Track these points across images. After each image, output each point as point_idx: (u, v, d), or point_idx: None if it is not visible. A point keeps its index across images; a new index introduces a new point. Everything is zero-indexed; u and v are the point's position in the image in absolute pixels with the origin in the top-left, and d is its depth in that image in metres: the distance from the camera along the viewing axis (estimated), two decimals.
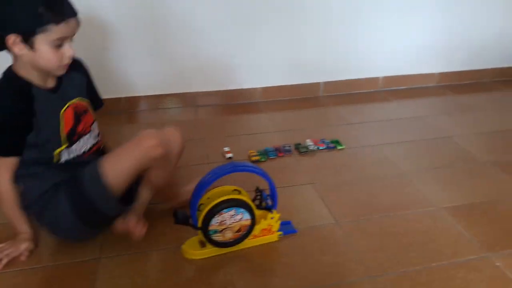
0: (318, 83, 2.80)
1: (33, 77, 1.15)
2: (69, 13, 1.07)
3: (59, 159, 1.24)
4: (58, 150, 1.23)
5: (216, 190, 1.35)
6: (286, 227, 1.47)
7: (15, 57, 1.12)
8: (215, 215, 1.28)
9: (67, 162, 1.26)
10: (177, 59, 2.47)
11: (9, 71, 1.15)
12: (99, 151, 1.38)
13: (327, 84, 2.82)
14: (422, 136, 2.22)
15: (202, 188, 1.29)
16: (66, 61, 1.14)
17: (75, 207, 1.20)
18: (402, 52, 2.86)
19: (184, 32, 2.37)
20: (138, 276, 1.27)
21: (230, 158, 1.98)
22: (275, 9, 2.50)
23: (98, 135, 1.39)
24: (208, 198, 1.32)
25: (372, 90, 2.91)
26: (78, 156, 1.29)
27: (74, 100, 1.27)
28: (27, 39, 1.04)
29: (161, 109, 2.58)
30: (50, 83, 1.21)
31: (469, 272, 1.29)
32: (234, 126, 2.38)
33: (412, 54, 2.88)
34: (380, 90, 2.92)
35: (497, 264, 1.32)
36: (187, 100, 2.62)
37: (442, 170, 1.89)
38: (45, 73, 1.17)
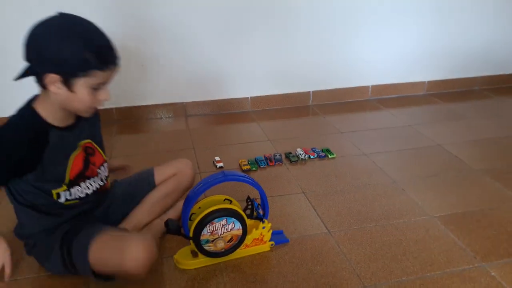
0: (308, 92, 2.80)
1: (54, 115, 1.10)
2: (114, 61, 1.05)
3: (58, 198, 1.18)
4: (57, 190, 1.17)
5: (207, 199, 1.34)
6: (278, 237, 1.45)
7: (43, 94, 1.07)
8: (206, 224, 1.25)
9: (69, 202, 1.20)
10: (168, 69, 2.46)
11: (29, 108, 1.09)
12: (105, 191, 1.33)
13: (317, 93, 2.82)
14: (412, 145, 2.22)
15: (193, 197, 1.27)
16: (99, 104, 1.11)
17: (63, 261, 1.17)
18: (391, 61, 2.88)
19: (174, 43, 2.36)
20: (131, 285, 1.23)
21: (221, 167, 1.96)
22: (264, 19, 2.50)
23: (107, 177, 1.33)
24: (199, 207, 1.31)
25: (361, 99, 2.92)
26: (80, 198, 1.22)
27: (86, 141, 1.23)
28: (67, 80, 1.01)
29: (152, 119, 2.55)
30: (68, 121, 1.16)
31: (464, 282, 1.28)
32: (224, 136, 2.37)
33: (401, 63, 2.90)
34: (370, 99, 2.93)
35: (492, 274, 1.31)
36: (178, 110, 2.60)
37: (434, 178, 1.89)
38: (71, 113, 1.14)
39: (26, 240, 1.25)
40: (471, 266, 1.34)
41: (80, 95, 1.04)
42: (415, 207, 1.66)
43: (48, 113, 1.09)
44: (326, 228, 1.53)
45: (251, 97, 2.70)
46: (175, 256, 1.34)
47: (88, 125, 1.23)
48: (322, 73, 2.78)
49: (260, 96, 2.72)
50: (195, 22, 2.40)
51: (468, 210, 1.64)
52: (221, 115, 2.65)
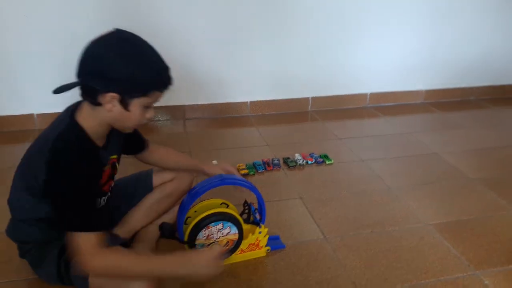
0: (307, 98, 2.82)
1: (97, 132, 1.10)
2: (171, 82, 1.07)
3: None
4: None
5: (203, 203, 1.34)
6: (274, 242, 1.46)
7: (90, 109, 1.06)
8: (202, 228, 1.25)
9: None
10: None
11: (77, 126, 1.06)
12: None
13: (316, 99, 2.83)
14: (409, 152, 2.24)
15: (189, 201, 1.27)
16: (144, 122, 1.12)
17: (58, 272, 1.16)
18: (389, 69, 2.89)
19: (173, 46, 2.36)
20: None
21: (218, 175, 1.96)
22: (265, 24, 2.52)
23: (111, 191, 1.31)
24: (195, 211, 1.31)
25: (360, 106, 2.94)
26: None
27: (114, 156, 1.24)
28: (125, 100, 1.02)
29: (151, 121, 2.55)
30: (104, 138, 1.16)
31: None
32: (222, 139, 2.38)
33: (399, 71, 2.92)
34: (368, 106, 2.95)
35: (486, 282, 1.32)
36: (176, 112, 2.61)
37: (430, 186, 1.90)
38: (108, 129, 1.14)
39: (20, 244, 1.23)
40: (465, 274, 1.35)
41: (134, 113, 1.05)
42: (411, 215, 1.67)
43: (92, 129, 1.08)
44: (323, 234, 1.54)
45: (250, 102, 2.71)
46: None
47: (118, 139, 1.24)
48: (322, 80, 2.80)
49: (259, 101, 2.73)
50: (195, 25, 2.41)
51: (463, 218, 1.66)
52: (220, 119, 2.66)
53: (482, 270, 1.37)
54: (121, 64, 0.98)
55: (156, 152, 1.43)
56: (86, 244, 1.01)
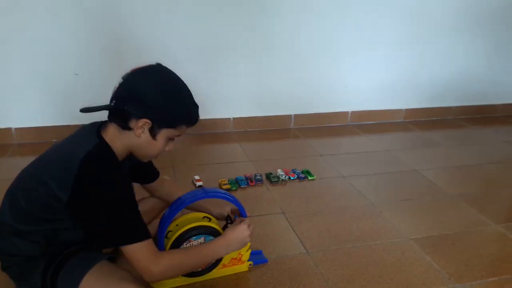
0: (289, 116, 2.84)
1: (120, 154, 1.11)
2: (198, 119, 1.13)
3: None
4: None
5: (185, 216, 1.32)
6: (257, 257, 1.44)
7: (118, 132, 1.08)
8: (183, 242, 1.24)
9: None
10: None
11: (106, 144, 1.08)
12: None
13: (298, 116, 2.86)
14: (390, 169, 2.27)
15: (170, 214, 1.25)
16: (163, 153, 1.16)
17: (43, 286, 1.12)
18: (370, 89, 2.96)
19: (157, 60, 2.36)
20: None
21: (200, 186, 1.95)
22: (248, 43, 2.56)
23: None
24: (177, 225, 1.29)
25: (341, 124, 2.98)
26: None
27: None
28: (155, 128, 1.07)
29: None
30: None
31: None
32: (205, 155, 2.37)
33: (379, 90, 2.99)
34: (349, 124, 2.99)
35: None
36: None
37: (410, 202, 1.92)
38: (131, 156, 1.16)
39: (7, 257, 1.17)
40: (445, 287, 1.37)
41: (159, 143, 1.10)
42: (392, 229, 1.68)
43: (116, 151, 1.09)
44: (305, 248, 1.53)
45: (233, 118, 2.72)
46: None
47: (129, 168, 1.25)
48: (304, 98, 2.83)
49: (242, 117, 2.74)
50: (177, 42, 2.43)
51: (443, 233, 1.68)
52: (202, 135, 2.66)
53: (463, 284, 1.39)
54: (159, 94, 1.05)
55: (166, 186, 1.43)
56: (145, 253, 1.05)
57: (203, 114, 2.57)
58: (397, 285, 1.36)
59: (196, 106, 1.12)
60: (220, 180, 2.01)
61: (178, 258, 1.14)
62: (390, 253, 1.53)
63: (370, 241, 1.60)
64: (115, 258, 1.25)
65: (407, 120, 3.13)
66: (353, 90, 2.91)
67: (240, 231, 1.26)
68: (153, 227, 1.43)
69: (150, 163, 1.37)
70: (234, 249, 1.27)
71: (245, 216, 1.36)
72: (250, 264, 1.40)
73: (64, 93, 2.26)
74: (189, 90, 1.12)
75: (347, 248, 1.55)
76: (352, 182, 2.08)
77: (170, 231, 1.28)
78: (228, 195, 1.32)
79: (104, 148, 1.07)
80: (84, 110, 1.04)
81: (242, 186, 1.98)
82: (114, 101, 1.05)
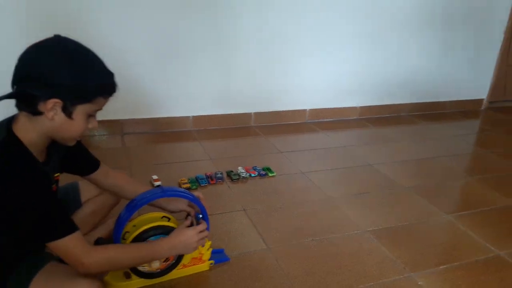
0: (249, 114, 2.86)
1: (36, 146, 1.01)
2: (115, 88, 1.05)
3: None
4: None
5: (143, 217, 1.28)
6: (218, 256, 1.44)
7: (28, 120, 0.97)
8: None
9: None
10: None
11: (15, 137, 0.97)
12: None
13: (258, 114, 2.88)
14: (346, 164, 2.33)
15: (126, 215, 1.21)
16: (87, 132, 1.07)
17: None
18: (327, 87, 3.02)
19: (111, 58, 2.29)
20: None
21: (158, 186, 1.92)
22: (207, 40, 2.54)
23: None
24: (134, 225, 1.24)
25: (300, 121, 3.02)
26: None
27: (57, 174, 1.15)
28: (68, 107, 0.96)
29: (85, 137, 2.46)
30: (44, 154, 1.07)
31: None
32: (163, 154, 2.34)
33: (336, 89, 3.06)
34: (308, 121, 3.04)
35: (420, 283, 1.39)
36: (114, 127, 2.54)
37: (366, 195, 1.98)
38: (46, 144, 1.05)
39: None
40: (401, 276, 1.42)
41: (77, 122, 0.99)
42: (349, 222, 1.73)
43: (30, 143, 0.98)
44: (266, 244, 1.55)
45: (193, 116, 2.70)
46: (106, 278, 1.26)
47: (59, 156, 1.15)
48: (264, 96, 2.86)
49: (202, 116, 2.72)
50: (134, 38, 2.39)
51: (398, 224, 1.74)
52: (161, 133, 2.62)
53: (417, 272, 1.45)
54: (64, 68, 0.93)
55: (112, 177, 1.34)
56: (76, 246, 0.99)
57: (162, 113, 2.62)
58: (355, 276, 1.40)
59: (109, 74, 1.02)
60: (179, 180, 1.99)
61: (114, 253, 1.09)
62: (348, 245, 1.57)
63: (328, 234, 1.63)
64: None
65: (362, 117, 3.22)
66: (310, 88, 2.96)
67: (187, 236, 1.23)
68: (107, 227, 1.41)
69: (86, 152, 1.28)
70: (178, 253, 1.26)
71: (205, 213, 1.33)
72: (211, 263, 1.39)
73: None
74: (99, 58, 1.00)
75: (307, 242, 1.58)
76: (311, 178, 2.12)
77: (127, 232, 1.23)
78: (187, 194, 1.30)
79: (11, 143, 0.96)
80: None
81: (202, 185, 1.96)
82: (15, 86, 0.94)
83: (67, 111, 0.96)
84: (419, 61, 3.25)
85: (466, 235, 1.69)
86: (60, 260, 1.11)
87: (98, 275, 1.19)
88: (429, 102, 3.47)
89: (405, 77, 3.26)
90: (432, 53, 3.28)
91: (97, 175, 1.29)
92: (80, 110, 0.98)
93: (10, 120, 1.00)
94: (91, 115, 1.03)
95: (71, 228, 1.00)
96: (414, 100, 3.41)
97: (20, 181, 0.94)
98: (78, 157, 1.25)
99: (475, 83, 3.62)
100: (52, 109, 0.94)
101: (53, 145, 1.09)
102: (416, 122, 3.24)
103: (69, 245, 0.99)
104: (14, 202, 0.94)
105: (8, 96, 0.94)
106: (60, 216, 1.01)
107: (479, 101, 3.72)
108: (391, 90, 3.26)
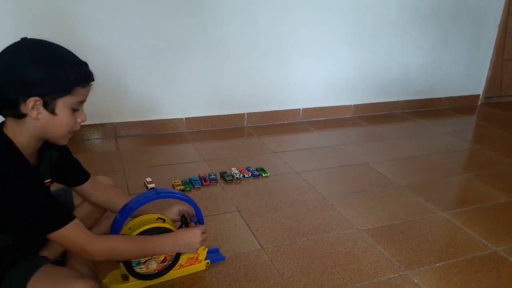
0: (242, 114, 2.85)
1: (27, 147, 1.03)
2: (92, 76, 1.04)
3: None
4: None
5: (138, 219, 1.28)
6: (214, 255, 1.44)
7: (16, 125, 1.00)
8: None
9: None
10: (97, 90, 2.37)
11: (5, 138, 1.00)
12: None
13: (251, 115, 2.87)
14: (341, 163, 2.32)
15: (121, 219, 1.21)
16: (77, 127, 1.07)
17: None
18: (320, 86, 3.02)
19: (102, 63, 2.29)
20: None
21: (152, 188, 1.91)
22: (198, 41, 2.53)
23: None
24: (130, 228, 1.24)
25: (293, 121, 3.02)
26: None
27: (48, 180, 1.16)
28: (49, 102, 0.97)
29: (79, 141, 2.45)
30: (36, 159, 1.10)
31: None
32: (157, 157, 2.32)
33: (329, 87, 3.05)
34: (301, 121, 3.03)
35: (415, 281, 1.39)
36: (107, 130, 2.53)
37: (361, 194, 1.98)
38: (37, 147, 1.07)
39: None
40: (396, 275, 1.41)
41: (62, 117, 1.00)
42: (344, 221, 1.72)
43: (21, 146, 1.01)
44: (260, 244, 1.54)
45: (185, 118, 2.69)
46: (104, 281, 1.27)
47: (49, 161, 1.17)
48: (257, 96, 2.85)
49: (195, 117, 2.71)
50: (125, 41, 2.37)
51: (393, 222, 1.74)
52: (154, 136, 2.61)
53: (412, 270, 1.44)
54: (35, 66, 0.95)
55: (103, 191, 1.35)
56: (77, 234, 1.03)
57: (154, 115, 2.60)
58: (350, 275, 1.40)
59: (81, 63, 1.02)
60: (173, 181, 1.98)
61: (118, 243, 1.13)
62: (342, 244, 1.57)
63: (323, 233, 1.63)
64: (63, 261, 1.21)
65: (356, 115, 3.22)
66: (303, 87, 2.95)
67: (192, 235, 1.25)
68: (101, 229, 1.40)
69: (76, 163, 1.29)
70: (180, 251, 1.27)
71: (200, 214, 1.34)
72: (208, 263, 1.39)
73: None
74: (68, 50, 1.02)
75: (301, 242, 1.57)
76: (305, 177, 2.11)
77: (123, 234, 1.23)
78: (182, 195, 1.30)
79: (3, 144, 1.00)
80: None
81: (196, 186, 1.96)
82: None
83: (49, 108, 0.98)
84: (413, 57, 3.25)
85: (462, 232, 1.69)
86: (55, 263, 1.13)
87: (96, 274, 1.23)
88: (424, 99, 3.47)
89: (399, 74, 3.26)
90: (426, 49, 3.28)
91: (85, 187, 1.31)
92: (61, 104, 0.99)
93: (1, 125, 1.03)
94: (76, 109, 1.04)
95: (69, 217, 1.03)
96: (409, 97, 3.41)
97: (14, 177, 0.97)
98: (68, 167, 1.26)
99: (470, 78, 3.62)
100: (34, 108, 0.96)
101: (44, 151, 1.11)
102: (410, 120, 3.24)
103: (70, 234, 1.02)
104: (10, 198, 0.96)
105: None
106: (56, 208, 1.04)
107: (475, 97, 3.72)
108: (385, 87, 3.26)
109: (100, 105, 2.41)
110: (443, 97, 3.56)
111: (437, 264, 1.48)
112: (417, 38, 3.20)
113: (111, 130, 2.54)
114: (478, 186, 2.11)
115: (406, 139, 2.79)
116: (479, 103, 3.74)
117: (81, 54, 1.04)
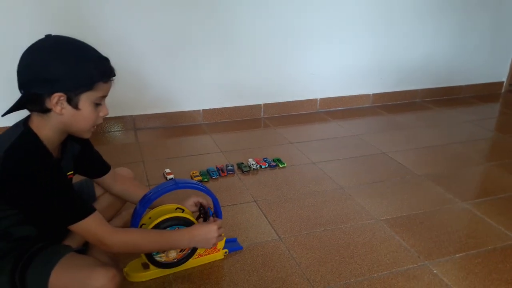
0: (259, 105, 2.84)
1: (52, 141, 1.07)
2: (113, 72, 1.07)
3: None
4: None
5: (157, 209, 1.30)
6: (232, 244, 1.45)
7: (42, 120, 1.04)
8: None
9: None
10: (116, 83, 2.40)
11: (31, 131, 1.04)
12: None
13: (268, 106, 2.87)
14: (359, 153, 2.30)
15: (142, 208, 1.24)
16: (100, 121, 1.10)
17: (12, 285, 1.09)
18: (338, 75, 2.98)
19: (121, 57, 2.31)
20: None
21: (171, 179, 1.93)
22: (214, 34, 2.54)
23: None
24: (150, 217, 1.28)
25: (310, 111, 3.00)
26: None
27: (70, 172, 1.21)
28: (72, 98, 1.01)
29: (100, 133, 2.49)
30: (58, 153, 1.13)
31: (409, 280, 1.33)
32: (175, 148, 2.35)
33: (347, 76, 3.02)
34: (318, 111, 3.02)
35: (435, 271, 1.37)
36: (126, 123, 2.56)
37: (380, 184, 1.96)
38: (61, 140, 1.11)
39: None
40: (415, 265, 1.40)
41: (85, 111, 1.04)
42: (362, 212, 1.71)
43: (46, 139, 1.05)
44: (277, 234, 1.55)
45: (203, 110, 2.70)
46: (125, 269, 1.30)
47: (72, 154, 1.21)
48: (273, 87, 2.84)
49: (212, 109, 2.72)
50: (143, 35, 2.39)
51: (412, 213, 1.72)
52: (172, 128, 2.63)
53: (432, 261, 1.42)
54: (58, 62, 0.98)
55: (123, 183, 1.39)
56: (97, 226, 1.07)
57: (172, 107, 2.62)
58: (368, 265, 1.39)
59: (103, 59, 1.05)
60: (191, 172, 2.00)
61: (136, 237, 1.16)
62: (360, 234, 1.56)
63: (340, 224, 1.62)
64: (85, 250, 1.24)
65: (375, 104, 3.18)
66: (320, 77, 2.93)
67: (208, 230, 1.27)
68: (121, 219, 1.43)
69: (97, 155, 1.32)
70: (196, 245, 1.29)
71: (218, 205, 1.36)
72: (226, 252, 1.41)
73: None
74: (91, 46, 1.05)
75: (318, 232, 1.57)
76: (322, 168, 2.10)
77: (143, 224, 1.26)
78: (200, 185, 1.32)
79: (27, 136, 1.03)
80: (5, 113, 1.02)
81: (213, 177, 1.97)
82: (22, 90, 1.01)
83: (73, 103, 1.01)
84: (433, 44, 3.18)
85: (483, 222, 1.66)
86: (78, 252, 1.16)
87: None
88: (445, 87, 3.40)
89: (419, 61, 3.20)
90: (447, 36, 3.20)
91: (105, 179, 1.35)
92: (84, 99, 1.03)
93: (27, 119, 1.07)
94: (98, 104, 1.07)
95: (88, 210, 1.07)
96: (429, 86, 3.34)
97: (38, 169, 1.00)
98: (90, 160, 1.30)
99: (494, 65, 3.53)
100: (58, 103, 1.00)
101: (67, 144, 1.15)
102: (431, 108, 3.18)
103: (90, 226, 1.06)
104: (33, 190, 1.00)
105: (18, 102, 1.01)
106: (77, 200, 1.07)
107: (499, 84, 3.62)
108: (405, 75, 3.20)
109: (120, 98, 2.44)
110: (465, 85, 3.48)
111: (457, 255, 1.46)
112: (438, 24, 3.12)
113: (130, 123, 2.57)
114: (500, 176, 2.07)
115: (426, 129, 2.75)
116: (502, 91, 3.64)
117: (101, 47, 1.06)
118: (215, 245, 1.31)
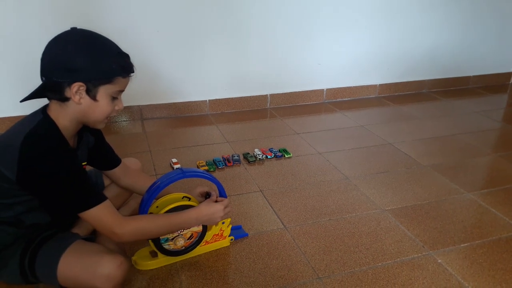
0: (265, 96, 2.85)
1: (68, 130, 1.11)
2: (132, 68, 1.12)
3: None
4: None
5: (165, 198, 1.32)
6: (238, 232, 1.48)
7: (60, 108, 1.07)
8: None
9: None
10: None
11: (50, 119, 1.07)
12: None
13: (274, 96, 2.87)
14: (365, 144, 2.30)
15: (150, 196, 1.25)
16: (114, 113, 1.14)
17: (22, 270, 1.12)
18: (345, 65, 2.97)
19: (127, 47, 2.31)
20: None
21: (178, 168, 1.95)
22: (220, 24, 2.53)
23: None
24: (157, 206, 1.29)
25: (317, 102, 3.00)
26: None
27: (84, 163, 1.25)
28: (91, 89, 1.05)
29: (107, 123, 2.50)
30: (74, 142, 1.18)
31: (413, 269, 1.34)
32: (182, 138, 2.36)
33: (354, 67, 3.00)
34: (325, 101, 3.01)
35: (439, 261, 1.38)
36: (133, 113, 2.58)
37: (385, 174, 1.97)
38: (77, 130, 1.15)
39: None
40: (419, 254, 1.41)
41: (102, 103, 1.08)
42: (367, 202, 1.72)
43: (63, 127, 1.09)
44: (283, 224, 1.56)
45: (209, 100, 2.71)
46: (134, 257, 1.33)
47: (86, 145, 1.25)
48: (279, 77, 2.83)
49: (218, 99, 2.73)
50: (150, 25, 2.40)
51: (417, 203, 1.72)
52: (178, 118, 2.65)
53: (436, 250, 1.43)
54: (80, 53, 1.02)
55: (131, 176, 1.41)
56: (108, 214, 1.08)
57: (179, 98, 2.63)
58: (373, 254, 1.40)
59: (124, 55, 1.10)
60: (197, 162, 2.01)
61: (145, 223, 1.17)
62: (365, 224, 1.57)
63: (345, 213, 1.63)
64: (93, 239, 1.26)
65: (381, 95, 3.17)
66: (327, 67, 2.92)
67: (214, 209, 1.29)
68: (128, 208, 1.45)
69: (109, 148, 1.35)
70: (204, 223, 1.32)
71: (224, 194, 1.38)
72: (232, 239, 1.43)
73: (35, 82, 2.21)
74: (112, 42, 1.09)
75: (323, 222, 1.58)
76: (328, 158, 2.11)
77: (151, 213, 1.28)
78: (206, 174, 1.33)
79: (46, 123, 1.07)
80: (24, 99, 1.06)
81: (219, 167, 1.98)
82: (43, 78, 1.05)
83: (91, 94, 1.05)
84: (441, 34, 3.16)
85: (488, 212, 1.66)
86: (86, 239, 1.19)
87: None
88: (452, 78, 3.38)
89: (426, 52, 3.17)
90: (454, 26, 3.17)
91: (115, 172, 1.38)
92: (103, 92, 1.06)
93: (45, 107, 1.10)
94: (115, 98, 1.11)
95: (99, 198, 1.09)
96: (436, 76, 3.32)
97: (55, 155, 1.04)
98: (103, 152, 1.34)
99: (502, 55, 3.49)
100: (77, 92, 1.04)
101: (82, 135, 1.19)
102: (438, 99, 3.17)
103: (101, 214, 1.08)
104: (49, 176, 1.02)
105: (38, 89, 1.05)
106: (91, 187, 1.10)
107: (507, 75, 3.60)
108: (412, 66, 3.19)
109: (127, 88, 2.44)
110: (473, 75, 3.46)
111: (462, 245, 1.47)
112: (445, 14, 3.09)
113: (137, 113, 2.59)
114: (506, 167, 2.07)
115: (433, 119, 2.74)
116: (511, 81, 3.62)
117: (109, 37, 1.08)
118: (223, 218, 1.33)
